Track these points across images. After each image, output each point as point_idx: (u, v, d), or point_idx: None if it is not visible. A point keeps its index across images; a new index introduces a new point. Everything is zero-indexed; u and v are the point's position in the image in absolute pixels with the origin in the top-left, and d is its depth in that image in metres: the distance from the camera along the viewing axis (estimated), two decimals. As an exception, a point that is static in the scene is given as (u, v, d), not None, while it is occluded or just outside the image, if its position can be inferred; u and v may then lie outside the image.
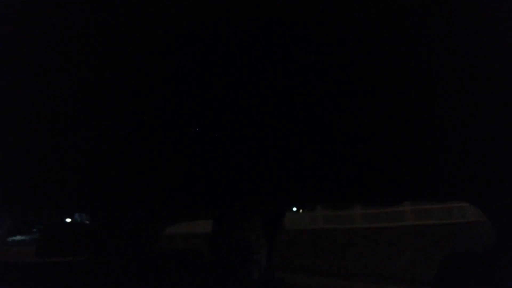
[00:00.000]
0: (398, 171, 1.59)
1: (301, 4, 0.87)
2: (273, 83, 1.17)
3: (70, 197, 2.56)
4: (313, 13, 0.89)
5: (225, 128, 1.46)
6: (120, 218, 2.53)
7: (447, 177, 1.48)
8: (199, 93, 1.24)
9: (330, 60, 1.07)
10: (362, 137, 1.42)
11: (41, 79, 1.15)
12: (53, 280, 2.09)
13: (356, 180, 1.84)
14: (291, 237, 9.02)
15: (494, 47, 0.94)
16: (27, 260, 2.38)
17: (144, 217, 2.60)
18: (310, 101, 1.24)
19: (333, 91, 1.21)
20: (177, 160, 1.80)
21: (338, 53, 1.04)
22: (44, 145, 1.63)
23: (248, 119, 1.37)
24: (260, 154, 1.61)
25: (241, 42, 1.01)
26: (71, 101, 1.30)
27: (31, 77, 1.13)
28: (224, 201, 1.98)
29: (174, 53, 1.08)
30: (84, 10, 0.88)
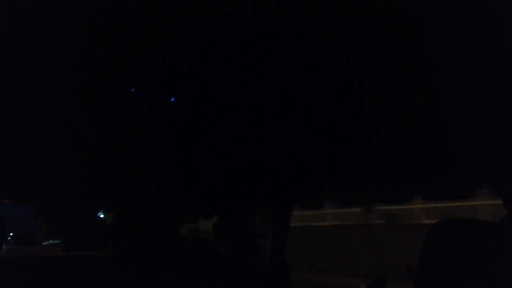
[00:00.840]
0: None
1: (302, 4, 0.89)
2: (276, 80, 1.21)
3: (93, 195, 2.69)
4: (314, 12, 0.91)
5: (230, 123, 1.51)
6: (139, 215, 2.64)
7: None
8: (216, 86, 1.27)
9: (328, 58, 1.09)
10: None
11: (64, 78, 1.21)
12: (78, 272, 2.22)
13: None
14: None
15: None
16: (54, 255, 2.53)
17: (160, 214, 2.70)
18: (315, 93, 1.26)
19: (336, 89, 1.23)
20: (185, 157, 1.88)
21: (334, 51, 1.07)
22: (68, 144, 1.74)
23: (247, 114, 1.42)
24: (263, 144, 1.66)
25: (241, 41, 1.04)
26: (87, 102, 1.39)
27: (56, 75, 1.20)
28: (230, 195, 2.04)
29: (176, 54, 1.13)
30: (83, 10, 0.92)
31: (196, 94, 1.35)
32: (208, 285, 1.61)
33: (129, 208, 2.66)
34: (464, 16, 0.87)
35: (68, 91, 1.29)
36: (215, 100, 1.37)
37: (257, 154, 1.76)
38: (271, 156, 1.76)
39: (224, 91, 1.31)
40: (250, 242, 1.54)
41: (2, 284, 2.07)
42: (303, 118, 1.42)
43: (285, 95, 1.30)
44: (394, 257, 9.09)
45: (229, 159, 1.86)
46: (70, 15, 0.94)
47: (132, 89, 1.36)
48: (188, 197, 2.47)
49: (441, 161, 1.55)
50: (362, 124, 1.44)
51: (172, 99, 1.39)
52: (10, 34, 0.99)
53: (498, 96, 1.11)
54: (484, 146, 1.31)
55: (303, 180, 1.98)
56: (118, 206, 2.79)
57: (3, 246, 2.24)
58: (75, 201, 3.21)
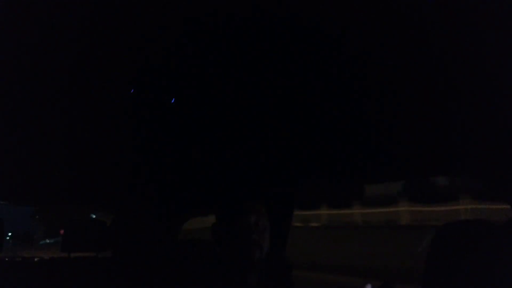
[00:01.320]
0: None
1: (302, 3, 0.89)
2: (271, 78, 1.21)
3: (92, 194, 2.69)
4: (314, 11, 0.91)
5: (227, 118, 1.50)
6: (138, 216, 2.65)
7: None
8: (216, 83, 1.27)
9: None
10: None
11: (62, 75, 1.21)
12: (77, 274, 2.22)
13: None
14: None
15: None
16: (53, 257, 2.53)
17: (160, 213, 2.71)
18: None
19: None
20: (185, 154, 1.87)
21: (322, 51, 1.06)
22: (67, 145, 1.74)
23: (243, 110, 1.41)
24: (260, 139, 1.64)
25: (237, 40, 1.04)
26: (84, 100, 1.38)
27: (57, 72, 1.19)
28: (229, 191, 2.04)
29: (175, 52, 1.13)
30: (81, 9, 0.91)
31: (195, 93, 1.35)
32: (208, 286, 1.62)
33: (128, 209, 2.67)
34: (464, 16, 0.86)
35: (65, 92, 1.29)
36: (213, 100, 1.37)
37: (258, 152, 1.75)
38: (272, 155, 1.76)
39: (222, 91, 1.31)
40: (245, 240, 1.53)
41: (2, 284, 2.07)
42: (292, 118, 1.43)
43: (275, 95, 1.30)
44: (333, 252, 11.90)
45: (228, 159, 1.86)
46: (68, 15, 0.94)
47: (132, 90, 1.35)
48: (188, 198, 2.48)
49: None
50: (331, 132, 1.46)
51: (173, 100, 1.39)
52: (10, 34, 0.99)
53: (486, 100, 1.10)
54: (487, 149, 1.31)
55: (302, 180, 1.99)
56: (117, 207, 2.79)
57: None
58: (74, 202, 3.21)
